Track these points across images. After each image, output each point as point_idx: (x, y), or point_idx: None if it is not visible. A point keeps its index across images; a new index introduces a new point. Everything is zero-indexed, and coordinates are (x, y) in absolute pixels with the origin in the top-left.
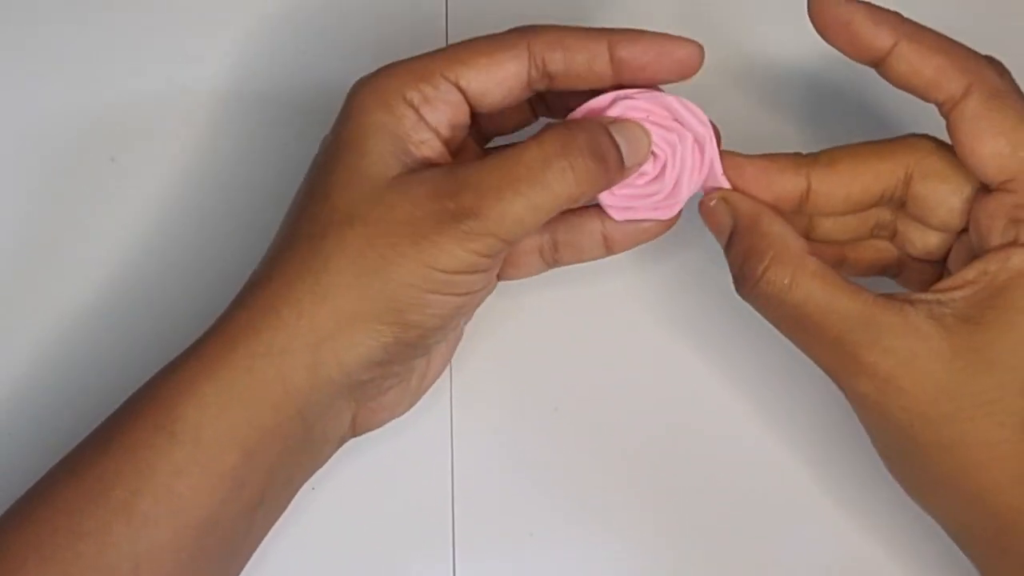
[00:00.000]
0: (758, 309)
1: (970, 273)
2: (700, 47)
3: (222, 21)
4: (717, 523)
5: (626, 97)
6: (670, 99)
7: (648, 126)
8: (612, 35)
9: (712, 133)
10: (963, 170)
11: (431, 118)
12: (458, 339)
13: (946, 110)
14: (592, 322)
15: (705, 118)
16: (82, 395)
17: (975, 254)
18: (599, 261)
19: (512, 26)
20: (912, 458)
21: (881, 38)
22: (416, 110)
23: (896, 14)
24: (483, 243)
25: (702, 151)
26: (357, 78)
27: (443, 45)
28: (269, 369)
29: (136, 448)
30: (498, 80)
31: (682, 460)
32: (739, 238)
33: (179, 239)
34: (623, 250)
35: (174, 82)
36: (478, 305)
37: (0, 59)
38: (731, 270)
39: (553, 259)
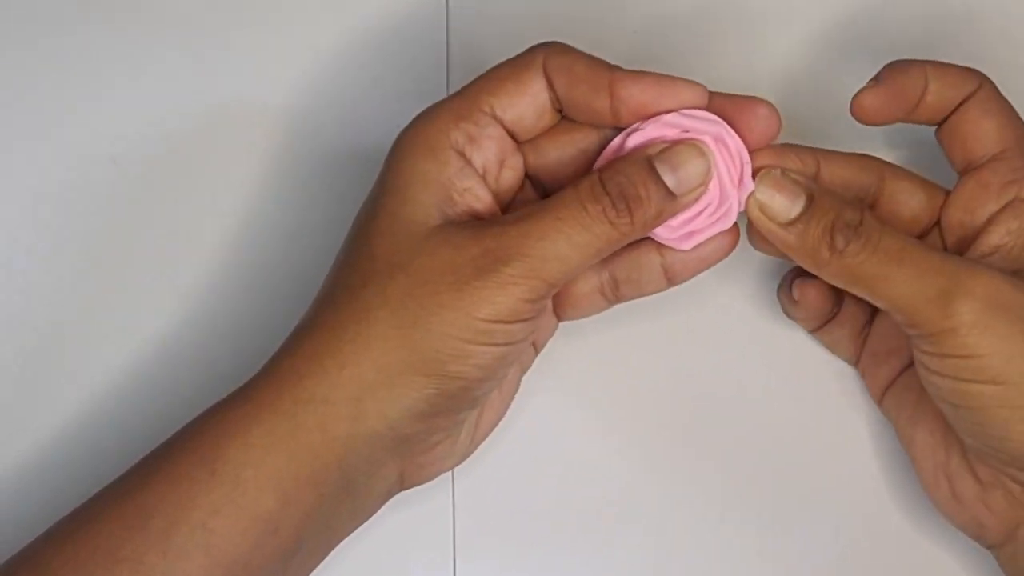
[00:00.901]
0: (850, 263)
1: (993, 238)
2: (704, 89)
3: (230, 31)
4: (719, 524)
5: (634, 131)
6: (670, 116)
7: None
8: (616, 72)
9: (727, 127)
10: (922, 179)
11: (477, 158)
12: (513, 392)
13: (961, 103)
14: (593, 320)
15: (712, 116)
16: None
17: (965, 234)
18: None
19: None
20: (992, 419)
21: (920, 78)
22: (461, 153)
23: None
24: (526, 287)
25: (727, 146)
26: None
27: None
28: (310, 417)
29: (178, 481)
30: (527, 101)
31: (685, 460)
32: (827, 193)
33: (227, 282)
34: (685, 280)
35: (179, 86)
36: (532, 357)
37: (1, 61)
38: (819, 227)
39: (614, 296)
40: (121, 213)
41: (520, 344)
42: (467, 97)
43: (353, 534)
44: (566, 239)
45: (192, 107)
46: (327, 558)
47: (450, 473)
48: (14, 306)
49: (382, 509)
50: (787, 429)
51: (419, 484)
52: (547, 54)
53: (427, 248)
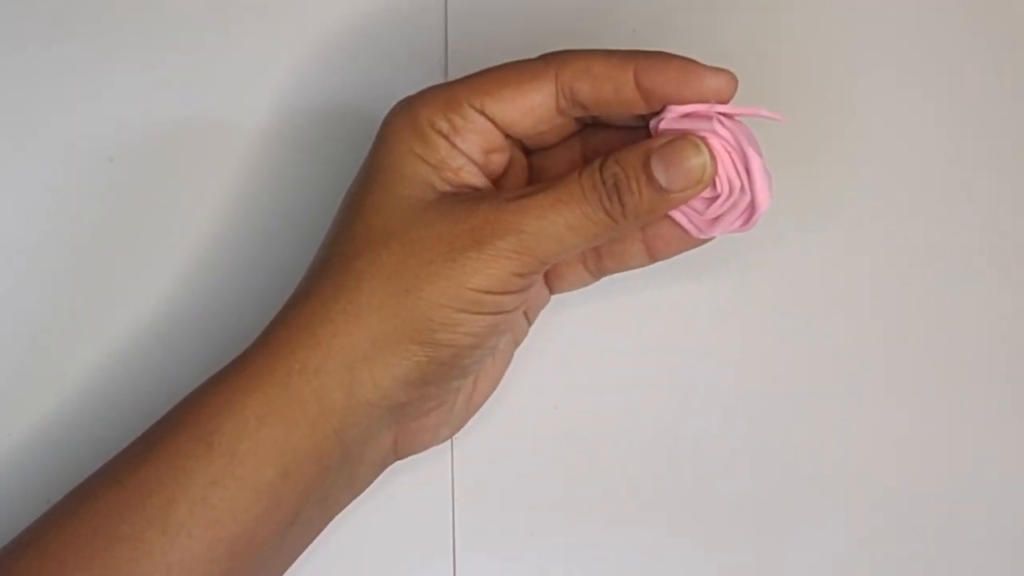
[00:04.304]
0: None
1: None
2: (731, 76)
3: (227, 25)
4: (718, 522)
5: (721, 118)
6: (754, 157)
7: (722, 155)
8: (639, 62)
9: (766, 206)
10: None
11: (463, 146)
12: (507, 363)
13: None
14: (592, 320)
15: (771, 188)
16: (86, 399)
17: None
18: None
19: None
20: None
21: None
22: (447, 138)
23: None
24: (519, 262)
25: (750, 215)
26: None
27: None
28: (305, 387)
29: (175, 457)
30: (524, 111)
31: (683, 458)
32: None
33: (218, 254)
34: (667, 257)
35: (177, 83)
36: (525, 328)
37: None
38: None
39: (597, 269)
40: (118, 207)
41: (510, 315)
42: (460, 90)
43: (352, 529)
44: (563, 220)
45: (187, 106)
46: (325, 556)
47: (449, 467)
48: (10, 300)
49: (382, 501)
50: (787, 407)
51: (414, 452)
52: (560, 64)
53: (423, 220)
